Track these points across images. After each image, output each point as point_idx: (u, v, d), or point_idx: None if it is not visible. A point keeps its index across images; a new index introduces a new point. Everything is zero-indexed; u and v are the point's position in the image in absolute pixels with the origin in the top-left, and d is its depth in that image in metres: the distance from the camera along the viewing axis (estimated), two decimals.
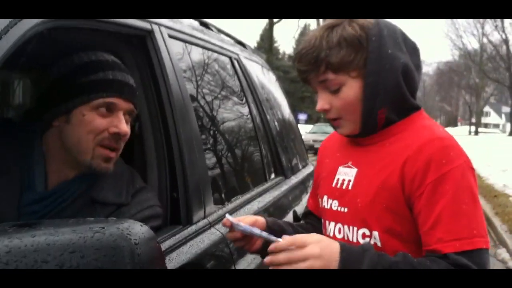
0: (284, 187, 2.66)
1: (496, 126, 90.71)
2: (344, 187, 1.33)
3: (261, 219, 1.40)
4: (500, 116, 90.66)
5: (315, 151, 22.82)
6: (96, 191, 1.39)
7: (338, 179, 1.36)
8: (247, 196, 2.14)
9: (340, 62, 1.25)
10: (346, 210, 1.31)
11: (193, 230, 1.54)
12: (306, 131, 23.80)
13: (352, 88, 1.27)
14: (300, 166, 3.35)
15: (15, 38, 1.03)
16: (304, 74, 1.31)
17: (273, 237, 1.19)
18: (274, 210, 2.30)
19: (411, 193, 1.21)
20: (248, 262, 1.78)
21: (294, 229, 1.48)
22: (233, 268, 1.66)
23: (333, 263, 1.13)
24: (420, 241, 1.21)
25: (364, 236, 1.27)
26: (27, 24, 1.06)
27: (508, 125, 57.57)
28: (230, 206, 1.90)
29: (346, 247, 1.17)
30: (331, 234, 1.35)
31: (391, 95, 1.26)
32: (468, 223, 1.15)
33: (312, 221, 1.56)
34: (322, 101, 1.31)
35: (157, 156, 1.61)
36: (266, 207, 2.21)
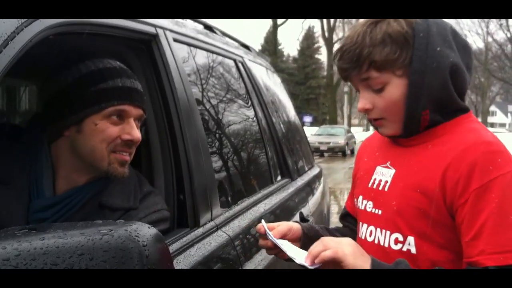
0: (291, 189, 2.66)
1: (503, 125, 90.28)
2: (380, 188, 1.28)
3: (296, 227, 1.38)
4: (506, 115, 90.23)
5: (320, 153, 22.86)
6: (105, 197, 1.40)
7: (375, 179, 1.31)
8: (254, 198, 2.14)
9: (385, 60, 1.19)
10: (380, 212, 1.27)
11: (200, 233, 1.54)
12: (311, 133, 23.79)
13: (397, 87, 1.21)
14: (306, 168, 3.36)
15: (22, 44, 1.03)
16: (345, 72, 1.25)
17: (297, 260, 1.18)
18: (281, 212, 2.30)
19: (454, 200, 1.14)
20: (255, 264, 1.79)
21: (330, 234, 1.44)
22: (234, 269, 1.66)
23: (365, 263, 1.12)
24: (461, 251, 1.14)
25: (396, 241, 1.22)
26: (33, 30, 1.07)
27: None
28: (236, 208, 1.91)
29: (375, 260, 1.13)
30: (363, 237, 1.31)
31: (436, 96, 1.19)
32: None
33: (350, 224, 1.50)
34: (364, 100, 1.25)
35: (164, 159, 1.62)
36: (273, 209, 2.21)
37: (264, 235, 1.30)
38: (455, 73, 1.20)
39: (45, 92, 1.45)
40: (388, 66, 1.20)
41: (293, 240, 1.35)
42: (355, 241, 1.23)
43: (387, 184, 1.27)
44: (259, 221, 1.35)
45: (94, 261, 0.74)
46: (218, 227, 1.67)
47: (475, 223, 1.10)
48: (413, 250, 1.19)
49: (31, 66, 1.45)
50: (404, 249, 1.20)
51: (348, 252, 1.12)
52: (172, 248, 1.35)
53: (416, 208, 1.19)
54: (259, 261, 1.82)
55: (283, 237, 1.33)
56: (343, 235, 1.41)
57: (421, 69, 1.18)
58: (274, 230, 1.32)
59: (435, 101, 1.20)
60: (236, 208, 1.91)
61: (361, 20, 1.28)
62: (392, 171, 1.27)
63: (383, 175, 1.29)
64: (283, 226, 1.35)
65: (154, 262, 0.79)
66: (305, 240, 1.36)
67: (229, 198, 1.99)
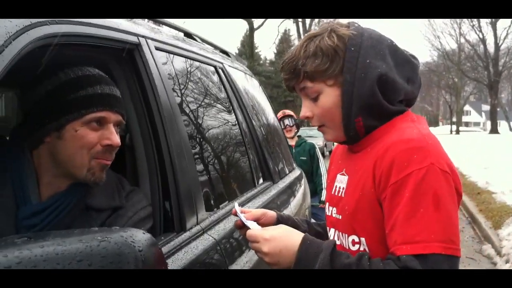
0: (273, 191, 2.70)
1: (477, 124, 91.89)
2: (339, 194, 1.37)
3: (271, 213, 1.53)
4: (480, 115, 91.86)
5: None
6: (90, 199, 1.44)
7: (336, 186, 1.40)
8: (237, 201, 2.17)
9: (315, 71, 1.30)
10: (340, 217, 1.35)
11: (187, 237, 1.57)
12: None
13: (329, 96, 1.31)
14: (287, 171, 3.40)
15: (10, 58, 1.05)
16: (287, 82, 1.38)
17: (252, 227, 1.40)
18: None
19: (379, 196, 1.22)
20: (241, 266, 1.82)
21: (309, 226, 1.57)
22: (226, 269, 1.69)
23: (286, 260, 1.25)
24: None
25: (354, 242, 1.29)
26: (21, 43, 1.08)
27: (489, 123, 58.36)
28: (221, 212, 1.94)
29: (305, 245, 1.24)
30: None
31: (365, 103, 1.27)
32: (425, 227, 1.13)
33: None
34: (305, 108, 1.37)
35: (149, 165, 1.64)
36: None
37: (237, 217, 1.47)
38: (384, 83, 1.28)
39: (26, 100, 1.47)
40: (319, 76, 1.31)
41: (265, 225, 1.48)
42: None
43: (343, 191, 1.35)
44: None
45: (93, 267, 0.77)
46: (204, 231, 1.69)
47: (391, 216, 1.18)
48: (367, 250, 1.27)
49: (11, 74, 1.45)
50: (361, 249, 1.28)
51: (267, 250, 1.28)
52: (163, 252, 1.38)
53: (363, 210, 1.26)
54: (245, 263, 1.85)
55: (255, 220, 1.49)
56: (323, 229, 1.54)
57: (350, 80, 1.28)
58: (248, 213, 1.50)
59: (365, 109, 1.29)
60: (221, 212, 1.94)
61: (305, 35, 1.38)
62: (346, 178, 1.36)
63: (341, 182, 1.38)
64: (257, 210, 1.53)
65: (150, 266, 0.83)
66: None
67: (213, 202, 2.02)
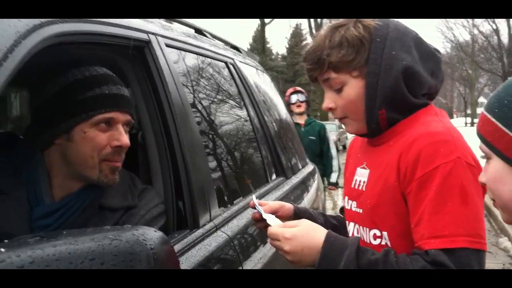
0: (286, 187, 2.69)
1: None
2: (360, 188, 1.35)
3: (288, 206, 1.50)
4: None
5: None
6: (104, 199, 1.44)
7: (356, 180, 1.38)
8: (250, 198, 2.17)
9: (341, 61, 1.27)
10: (361, 211, 1.33)
11: (200, 234, 1.57)
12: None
13: (353, 88, 1.29)
14: (300, 166, 3.39)
15: (21, 56, 1.05)
16: (310, 72, 1.35)
17: (271, 222, 1.36)
18: None
19: (404, 190, 1.21)
20: (255, 262, 1.82)
21: (325, 219, 1.54)
22: (240, 268, 1.69)
23: (308, 259, 1.22)
24: None
25: (375, 236, 1.28)
26: (32, 41, 1.08)
27: None
28: (234, 208, 1.94)
29: (329, 242, 1.20)
30: (350, 234, 1.38)
31: (389, 96, 1.25)
32: (452, 221, 1.12)
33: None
34: (327, 100, 1.34)
35: (161, 163, 1.64)
36: None
37: (255, 209, 1.44)
38: (409, 75, 1.26)
39: (35, 100, 1.47)
40: (344, 67, 1.28)
41: (283, 217, 1.46)
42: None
43: (364, 184, 1.33)
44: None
45: (105, 266, 0.77)
46: (217, 228, 1.69)
47: (417, 210, 1.17)
48: (389, 244, 1.25)
49: (23, 74, 1.46)
50: (383, 243, 1.26)
51: (289, 249, 1.24)
52: (175, 250, 1.38)
53: (385, 204, 1.24)
54: (258, 259, 1.85)
55: (273, 212, 1.45)
56: (339, 222, 1.53)
57: (375, 71, 1.26)
58: (266, 206, 1.46)
59: (389, 101, 1.26)
60: (234, 208, 1.94)
61: (328, 25, 1.35)
62: (367, 172, 1.34)
63: (362, 175, 1.36)
64: (275, 203, 1.49)
65: (162, 264, 0.82)
66: (295, 218, 1.45)
67: (227, 198, 2.02)
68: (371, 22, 1.29)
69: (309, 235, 1.24)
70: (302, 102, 5.37)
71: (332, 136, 24.00)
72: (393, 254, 1.16)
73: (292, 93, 5.35)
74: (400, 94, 1.26)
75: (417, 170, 1.17)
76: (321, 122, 5.60)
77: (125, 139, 1.41)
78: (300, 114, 5.37)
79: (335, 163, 5.39)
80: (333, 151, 5.34)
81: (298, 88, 5.53)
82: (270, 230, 1.31)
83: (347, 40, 1.27)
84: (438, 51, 1.35)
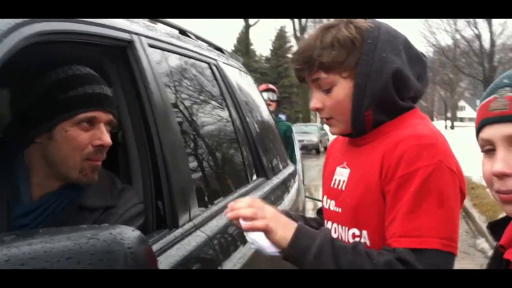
0: (266, 187, 2.70)
1: (472, 119, 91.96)
2: (339, 187, 1.36)
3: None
4: (475, 110, 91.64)
5: None
6: (82, 198, 1.43)
7: (335, 179, 1.39)
8: (230, 198, 2.18)
9: (332, 62, 1.27)
10: (340, 210, 1.34)
11: (179, 233, 1.57)
12: None
13: (343, 88, 1.29)
14: (281, 167, 3.40)
15: (2, 54, 1.05)
16: (299, 72, 1.34)
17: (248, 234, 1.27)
18: None
19: (384, 188, 1.22)
20: (234, 262, 1.82)
21: (305, 221, 1.52)
22: (220, 268, 1.70)
23: (285, 233, 1.21)
24: None
25: (354, 236, 1.29)
26: (14, 39, 1.08)
27: None
28: (214, 208, 1.94)
29: (303, 226, 1.23)
30: None
31: (378, 97, 1.26)
32: (426, 222, 1.14)
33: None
34: (315, 100, 1.34)
35: (141, 162, 1.64)
36: None
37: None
38: (399, 78, 1.27)
39: (16, 99, 1.47)
40: (335, 68, 1.28)
41: None
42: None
43: (344, 184, 1.34)
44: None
45: (81, 265, 0.77)
46: (196, 227, 1.70)
47: (393, 208, 1.19)
48: (368, 243, 1.26)
49: (4, 73, 1.45)
50: (362, 241, 1.27)
51: (268, 215, 1.23)
52: (153, 249, 1.38)
53: (368, 205, 1.26)
54: (238, 259, 1.86)
55: None
56: (318, 224, 1.50)
57: (365, 73, 1.26)
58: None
59: (377, 102, 1.27)
60: (214, 208, 1.94)
61: (319, 25, 1.37)
62: (347, 171, 1.35)
63: (342, 175, 1.37)
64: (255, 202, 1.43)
65: (140, 263, 0.83)
66: None
67: (207, 198, 2.02)
68: (363, 23, 1.29)
69: (285, 219, 1.27)
70: (272, 101, 5.32)
71: (314, 138, 23.77)
72: (363, 245, 1.19)
73: (263, 91, 5.28)
74: (388, 96, 1.27)
75: (399, 170, 1.19)
76: (288, 123, 5.55)
77: (107, 139, 1.41)
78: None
79: (298, 166, 5.38)
80: (298, 154, 5.28)
81: (271, 86, 5.46)
82: (255, 200, 1.30)
83: (339, 41, 1.27)
84: (424, 55, 1.38)
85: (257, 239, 1.24)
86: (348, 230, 1.31)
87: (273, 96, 5.29)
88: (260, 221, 1.22)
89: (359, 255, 1.16)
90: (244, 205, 1.26)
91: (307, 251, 1.18)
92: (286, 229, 1.22)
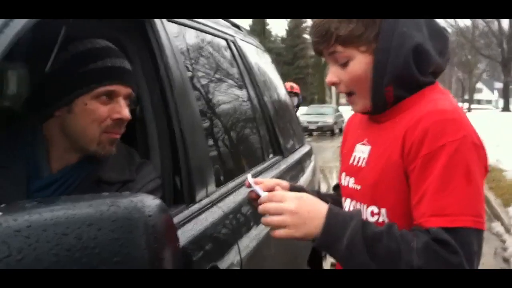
0: (282, 166, 2.70)
1: (489, 102, 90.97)
2: (359, 164, 1.34)
3: (284, 184, 1.43)
4: (493, 92, 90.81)
5: (309, 132, 22.94)
6: (101, 172, 1.44)
7: (355, 156, 1.37)
8: (246, 175, 2.18)
9: (349, 35, 1.25)
10: (359, 187, 1.32)
11: (196, 209, 1.58)
12: (300, 112, 23.80)
13: (359, 63, 1.27)
14: (297, 146, 3.40)
15: (15, 31, 1.04)
16: (316, 45, 1.32)
17: (263, 193, 1.27)
18: None
19: (407, 167, 1.20)
20: (250, 239, 1.83)
21: (320, 197, 1.46)
22: (236, 244, 1.71)
23: (314, 222, 1.17)
24: None
25: (373, 213, 1.27)
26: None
27: (501, 100, 57.72)
28: (230, 185, 1.95)
29: (333, 212, 1.18)
30: (346, 211, 1.36)
31: (398, 73, 1.24)
32: (457, 200, 1.12)
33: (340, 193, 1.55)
34: (331, 74, 1.32)
35: (159, 138, 1.64)
36: None
37: (250, 188, 1.36)
38: (419, 53, 1.24)
39: (35, 73, 1.47)
40: (352, 42, 1.25)
41: None
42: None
43: (364, 161, 1.32)
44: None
45: (102, 231, 0.78)
46: (213, 203, 1.70)
47: (420, 187, 1.16)
48: (387, 221, 1.24)
49: (21, 49, 1.45)
50: (380, 220, 1.26)
51: (295, 208, 1.18)
52: (172, 218, 1.39)
53: (387, 181, 1.24)
54: (254, 236, 1.87)
55: (269, 190, 1.35)
56: (334, 200, 1.48)
57: (385, 48, 1.24)
58: (262, 184, 1.37)
59: (397, 78, 1.25)
60: (230, 185, 1.95)
61: None
62: (368, 148, 1.33)
63: (362, 152, 1.35)
64: (270, 181, 1.42)
65: (159, 231, 0.83)
66: None
67: (223, 175, 2.03)
68: None
69: (313, 201, 1.23)
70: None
71: (329, 119, 23.63)
72: (396, 228, 1.15)
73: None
74: (409, 71, 1.25)
75: (423, 147, 1.16)
76: None
77: (126, 112, 1.41)
78: None
79: None
80: None
81: (295, 89, 5.47)
82: (274, 193, 1.26)
83: None
84: (446, 30, 1.34)
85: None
86: (367, 207, 1.29)
87: (296, 101, 5.23)
88: (276, 217, 1.20)
89: (394, 240, 1.13)
90: (266, 199, 1.23)
91: (339, 242, 1.15)
92: (311, 222, 1.18)
